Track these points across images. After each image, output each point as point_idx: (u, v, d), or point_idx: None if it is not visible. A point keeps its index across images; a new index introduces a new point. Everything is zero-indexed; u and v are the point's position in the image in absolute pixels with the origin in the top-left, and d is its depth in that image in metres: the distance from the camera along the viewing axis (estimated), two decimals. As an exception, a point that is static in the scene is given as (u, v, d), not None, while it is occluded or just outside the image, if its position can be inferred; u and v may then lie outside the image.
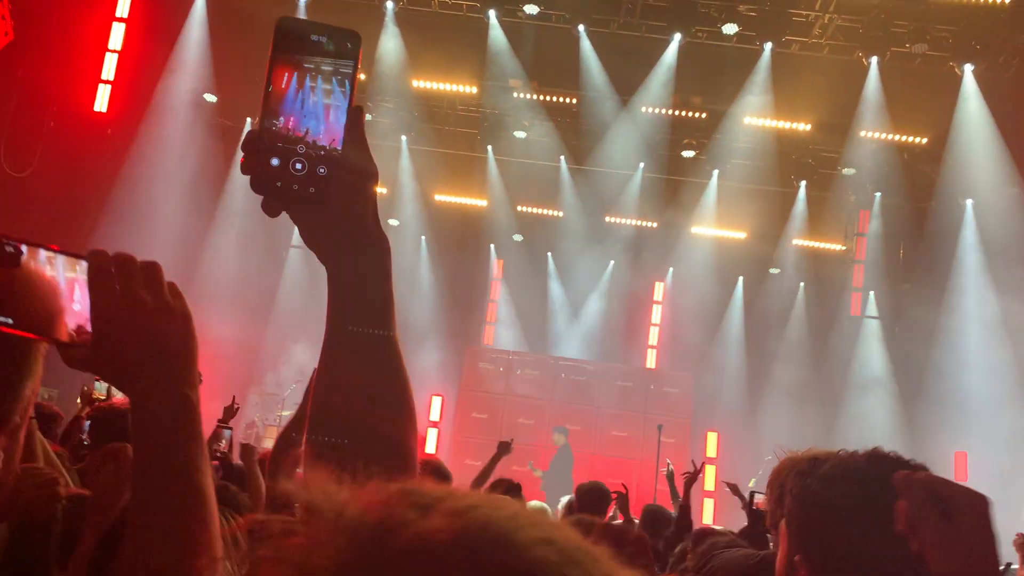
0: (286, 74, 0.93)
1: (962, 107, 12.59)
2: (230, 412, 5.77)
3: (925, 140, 13.51)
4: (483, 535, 0.50)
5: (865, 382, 14.37)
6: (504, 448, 6.21)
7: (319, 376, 0.98)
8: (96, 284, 1.01)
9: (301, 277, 15.08)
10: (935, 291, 13.65)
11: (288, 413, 11.96)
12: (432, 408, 13.54)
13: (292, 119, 0.94)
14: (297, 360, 13.73)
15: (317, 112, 0.94)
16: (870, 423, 13.59)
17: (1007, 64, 12.35)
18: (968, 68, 12.45)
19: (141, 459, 1.03)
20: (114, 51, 12.50)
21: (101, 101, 12.59)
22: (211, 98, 13.79)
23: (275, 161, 0.93)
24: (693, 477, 5.85)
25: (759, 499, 3.80)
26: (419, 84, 13.91)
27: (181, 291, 1.08)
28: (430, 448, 13.29)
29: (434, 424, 13.49)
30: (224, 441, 5.02)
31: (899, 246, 14.04)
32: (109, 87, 12.50)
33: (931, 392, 13.14)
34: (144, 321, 1.02)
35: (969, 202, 13.56)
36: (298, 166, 0.93)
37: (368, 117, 14.20)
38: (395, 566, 0.49)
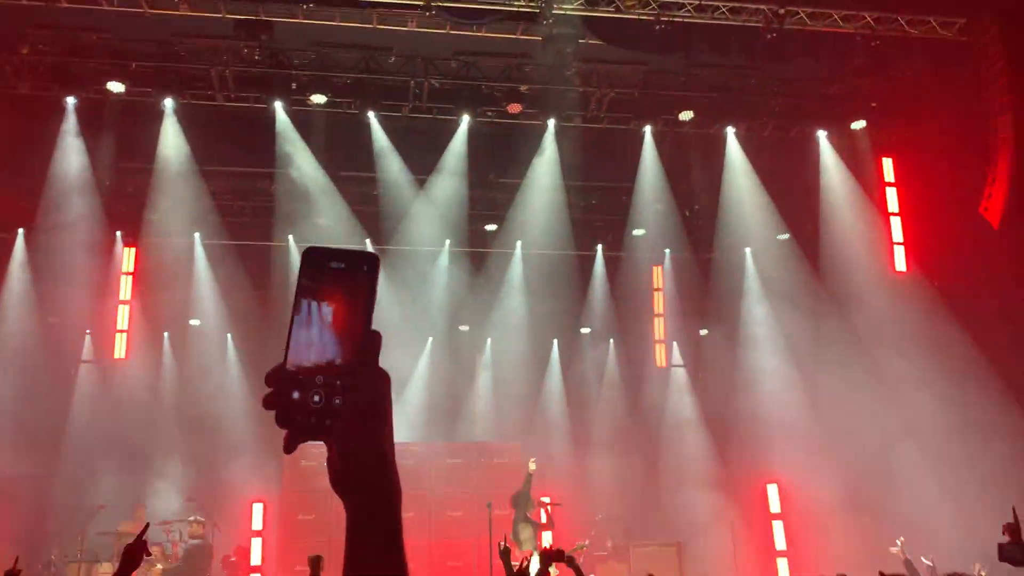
0: (307, 304, 0.96)
1: (729, 166, 13.77)
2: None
3: (702, 197, 14.62)
4: None
5: (679, 426, 15.08)
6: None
7: None
8: None
9: (96, 397, 13.93)
10: (729, 334, 14.66)
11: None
12: (253, 516, 12.74)
13: (312, 349, 0.95)
14: (98, 488, 12.65)
15: (335, 340, 0.95)
16: (687, 465, 14.23)
17: (764, 125, 13.68)
18: (731, 131, 13.67)
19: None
20: None
21: None
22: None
23: (296, 394, 0.94)
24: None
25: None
26: (207, 182, 13.47)
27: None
28: (255, 560, 12.48)
29: (257, 533, 12.67)
30: None
31: (692, 296, 14.99)
32: None
33: (738, 429, 13.98)
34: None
35: (748, 250, 14.78)
36: (316, 398, 0.94)
37: (155, 216, 13.58)
38: None
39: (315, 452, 13.99)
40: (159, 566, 11.45)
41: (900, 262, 12.96)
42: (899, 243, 13.05)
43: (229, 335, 14.94)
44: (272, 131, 13.20)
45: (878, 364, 12.67)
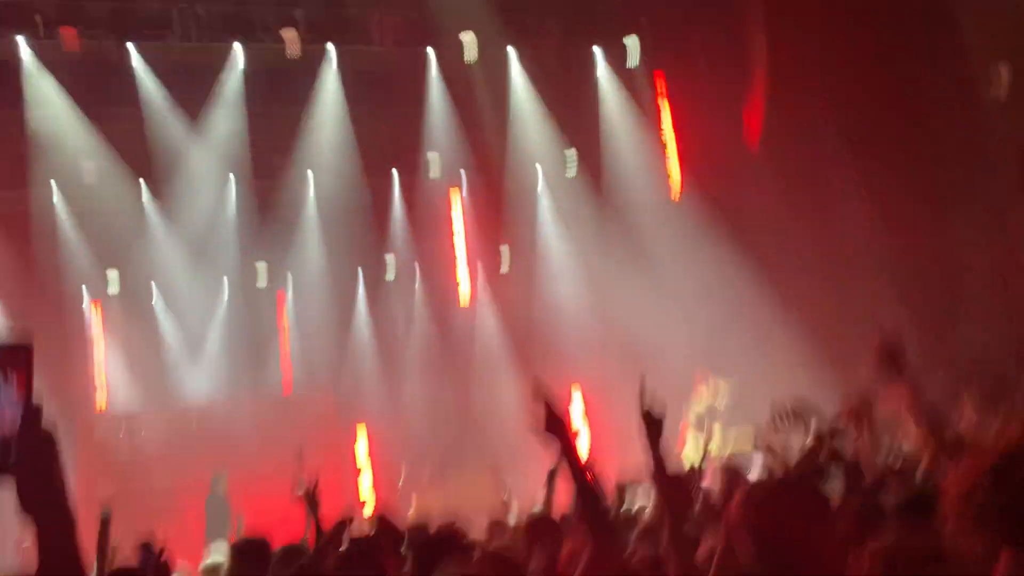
0: None
1: (513, 86, 13.87)
2: None
3: (491, 118, 14.60)
4: None
5: (487, 356, 15.27)
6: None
7: None
8: None
9: None
10: (527, 250, 14.91)
11: None
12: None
13: None
14: None
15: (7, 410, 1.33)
16: (496, 393, 14.43)
17: (545, 45, 13.86)
18: (512, 51, 13.76)
19: None
20: None
21: None
22: None
23: None
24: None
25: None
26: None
27: None
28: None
29: None
30: None
31: (489, 215, 15.01)
32: None
33: (539, 344, 14.37)
34: None
35: (539, 168, 15.00)
36: None
37: None
38: None
39: (107, 424, 13.07)
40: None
41: (675, 179, 13.64)
42: (674, 162, 13.71)
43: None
44: (17, 71, 12.01)
45: (660, 275, 13.33)
